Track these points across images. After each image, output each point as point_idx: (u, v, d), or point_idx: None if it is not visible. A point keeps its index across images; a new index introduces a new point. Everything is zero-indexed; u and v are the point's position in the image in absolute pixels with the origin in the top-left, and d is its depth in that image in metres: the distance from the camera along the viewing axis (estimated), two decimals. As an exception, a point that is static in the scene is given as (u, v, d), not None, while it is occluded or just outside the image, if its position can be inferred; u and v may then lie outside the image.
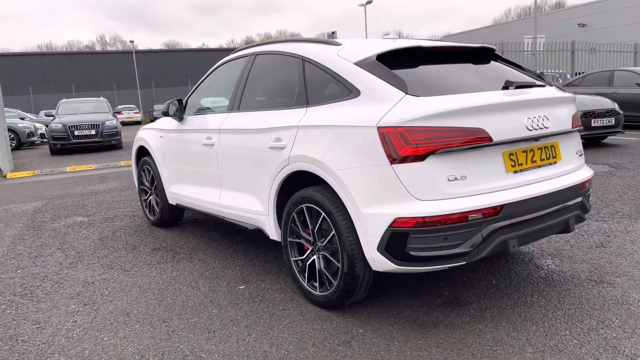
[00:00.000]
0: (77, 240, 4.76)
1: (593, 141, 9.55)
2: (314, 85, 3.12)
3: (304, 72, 3.20)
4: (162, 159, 4.74)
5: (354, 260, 2.69)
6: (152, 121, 15.13)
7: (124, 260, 4.08)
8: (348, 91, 2.85)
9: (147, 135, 5.05)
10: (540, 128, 2.76)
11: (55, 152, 14.32)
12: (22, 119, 20.74)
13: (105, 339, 2.75)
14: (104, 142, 14.45)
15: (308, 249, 3.04)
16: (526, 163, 2.74)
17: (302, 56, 3.25)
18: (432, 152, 2.46)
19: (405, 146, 2.46)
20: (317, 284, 2.98)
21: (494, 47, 3.34)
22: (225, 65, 4.26)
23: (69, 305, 3.23)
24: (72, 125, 14.06)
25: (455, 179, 2.50)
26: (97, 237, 4.86)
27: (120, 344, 2.68)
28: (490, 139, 2.56)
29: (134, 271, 3.81)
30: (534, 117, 2.75)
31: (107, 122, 14.54)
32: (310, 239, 3.00)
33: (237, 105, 3.77)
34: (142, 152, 5.24)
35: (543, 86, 3.09)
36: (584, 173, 3.08)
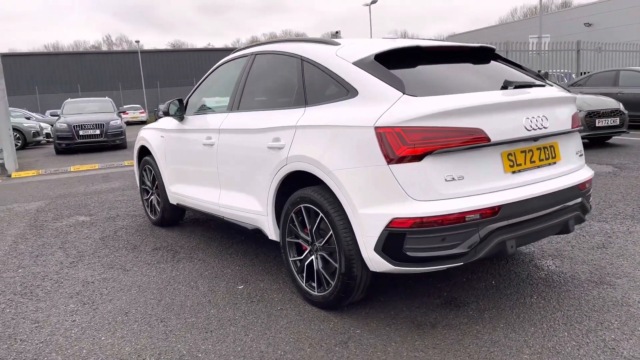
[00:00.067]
0: (78, 240, 4.78)
1: (597, 141, 9.50)
2: (313, 85, 3.12)
3: (303, 72, 3.20)
4: (163, 159, 4.75)
5: (352, 260, 2.68)
6: (156, 121, 15.21)
7: (125, 260, 4.09)
8: (346, 91, 2.84)
9: (149, 135, 5.06)
10: (539, 128, 2.74)
11: (60, 151, 14.40)
12: (28, 118, 20.87)
13: (102, 338, 2.75)
14: (109, 142, 14.52)
15: (306, 249, 3.04)
16: (525, 163, 2.73)
17: (301, 56, 3.25)
18: (429, 152, 2.44)
19: (402, 146, 2.45)
20: (315, 284, 2.98)
21: (493, 46, 3.33)
22: (225, 65, 4.26)
23: (68, 304, 3.24)
24: (76, 125, 14.14)
25: (453, 179, 2.49)
26: (98, 236, 4.88)
27: (117, 343, 2.69)
28: (488, 139, 2.54)
29: (134, 271, 3.82)
30: (533, 117, 2.73)
31: (111, 122, 14.61)
32: (309, 239, 2.99)
33: (236, 105, 3.77)
34: (144, 151, 5.26)
35: (543, 86, 3.07)
36: (584, 173, 3.06)
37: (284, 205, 3.13)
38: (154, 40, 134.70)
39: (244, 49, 4.07)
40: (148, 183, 5.20)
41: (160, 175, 4.83)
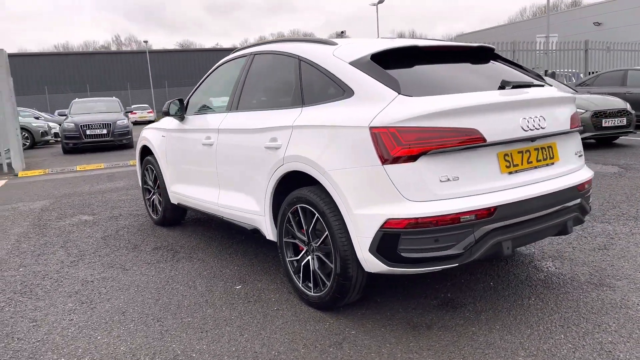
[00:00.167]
0: (80, 239, 4.80)
1: (604, 141, 9.42)
2: (310, 85, 3.11)
3: (300, 72, 3.19)
4: (164, 159, 4.77)
5: (347, 261, 2.67)
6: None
7: (125, 259, 4.11)
8: (342, 91, 2.83)
9: (150, 135, 5.08)
10: (536, 128, 2.71)
11: (68, 151, 14.51)
12: (37, 118, 21.02)
13: (99, 337, 2.76)
14: (115, 142, 14.60)
15: (303, 250, 3.03)
16: (522, 164, 2.70)
17: (299, 56, 3.24)
18: (424, 153, 2.43)
19: (397, 146, 2.44)
20: (311, 285, 2.97)
21: (493, 46, 3.30)
22: (225, 65, 4.27)
23: (67, 303, 3.26)
24: (84, 125, 14.24)
25: (448, 179, 2.47)
26: (100, 235, 4.90)
27: (113, 342, 2.70)
28: (483, 140, 2.52)
29: (133, 270, 3.83)
30: (530, 117, 2.70)
31: (118, 122, 14.69)
32: (305, 239, 2.99)
33: (235, 105, 3.78)
34: (146, 151, 5.28)
35: (542, 86, 3.04)
36: (583, 174, 3.03)
37: (281, 205, 3.13)
38: (162, 40, 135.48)
39: (243, 48, 4.07)
40: (150, 183, 5.22)
41: (161, 174, 4.85)
